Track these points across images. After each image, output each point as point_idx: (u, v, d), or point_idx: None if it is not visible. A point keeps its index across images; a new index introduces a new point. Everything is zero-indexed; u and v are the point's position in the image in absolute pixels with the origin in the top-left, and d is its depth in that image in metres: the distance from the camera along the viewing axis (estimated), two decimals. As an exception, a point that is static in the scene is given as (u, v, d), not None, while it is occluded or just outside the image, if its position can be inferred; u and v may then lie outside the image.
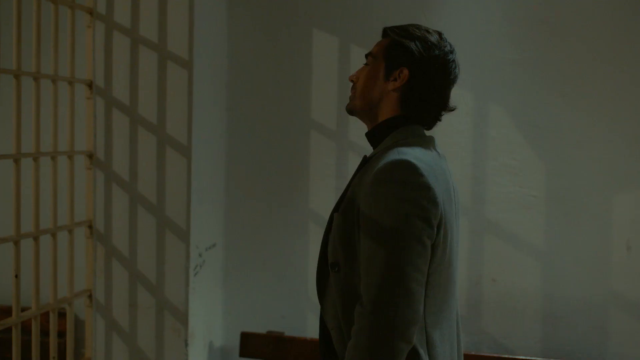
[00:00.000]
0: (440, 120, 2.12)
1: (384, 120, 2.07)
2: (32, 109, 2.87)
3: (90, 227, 3.28)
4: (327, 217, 3.51)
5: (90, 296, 3.29)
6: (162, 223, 3.26)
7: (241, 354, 3.46)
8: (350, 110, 2.13)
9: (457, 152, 3.41)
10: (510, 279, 3.39)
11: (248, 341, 3.44)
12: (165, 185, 3.26)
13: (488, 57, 3.38)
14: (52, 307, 3.04)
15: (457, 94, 3.39)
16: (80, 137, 3.47)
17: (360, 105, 2.10)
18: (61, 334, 3.37)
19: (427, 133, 2.11)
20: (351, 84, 2.15)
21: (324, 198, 3.55)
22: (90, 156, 3.27)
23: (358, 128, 3.47)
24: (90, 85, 3.25)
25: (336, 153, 3.53)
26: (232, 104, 3.63)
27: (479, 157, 3.40)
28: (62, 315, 3.66)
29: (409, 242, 1.81)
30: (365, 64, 2.12)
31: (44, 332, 3.26)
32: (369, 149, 3.45)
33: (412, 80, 2.02)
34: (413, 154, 1.91)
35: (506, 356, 3.24)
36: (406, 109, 2.06)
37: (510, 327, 3.39)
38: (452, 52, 2.06)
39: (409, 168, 1.86)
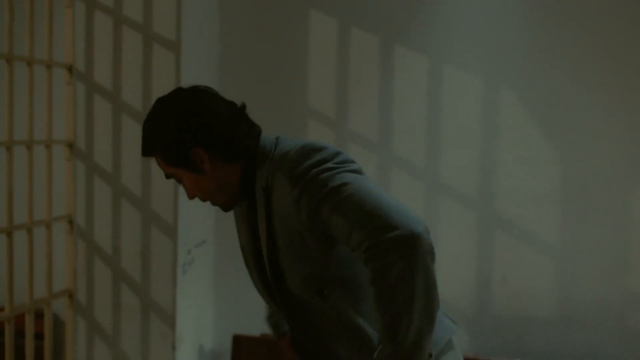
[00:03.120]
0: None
1: (240, 183, 1.95)
2: (5, 94, 2.67)
3: (70, 222, 3.08)
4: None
5: (70, 296, 3.09)
6: (148, 218, 3.06)
7: (233, 358, 3.26)
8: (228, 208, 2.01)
9: (465, 142, 3.21)
10: (522, 278, 3.19)
11: (240, 344, 3.26)
12: (151, 177, 3.07)
13: (499, 41, 3.18)
14: (28, 308, 2.83)
15: (466, 79, 3.23)
16: (59, 126, 3.24)
17: (227, 202, 1.99)
18: (40, 336, 3.16)
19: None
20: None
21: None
22: (70, 145, 3.06)
23: (358, 116, 3.28)
24: (70, 69, 3.04)
25: (335, 143, 3.31)
26: (224, 91, 3.35)
27: (488, 148, 3.19)
28: (41, 316, 3.44)
29: (359, 180, 1.75)
30: (173, 178, 1.98)
31: (21, 334, 3.05)
32: (371, 138, 3.30)
33: (210, 151, 1.90)
34: (290, 143, 1.88)
35: (517, 361, 3.05)
36: (232, 161, 1.94)
37: (521, 329, 3.19)
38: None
39: (304, 151, 1.81)
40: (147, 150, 1.93)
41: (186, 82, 3.01)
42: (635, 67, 3.07)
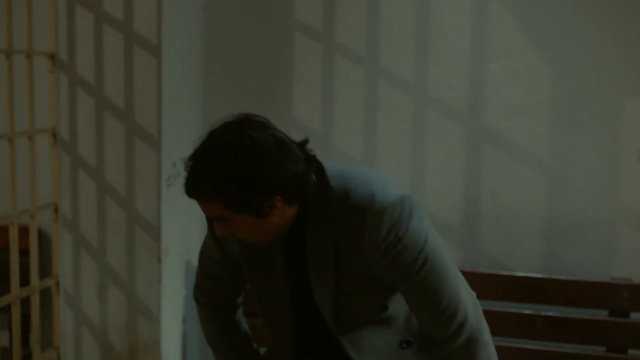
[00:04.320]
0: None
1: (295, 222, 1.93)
2: None
3: (54, 135, 3.04)
4: (313, 126, 3.27)
5: (56, 210, 3.07)
6: (131, 129, 3.02)
7: (219, 273, 3.23)
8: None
9: (453, 55, 3.13)
10: (510, 193, 3.14)
11: (227, 259, 3.20)
12: (134, 88, 3.01)
13: (489, -51, 3.08)
14: (12, 219, 2.82)
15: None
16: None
17: (270, 240, 1.95)
18: (24, 253, 3.15)
19: None
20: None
21: (308, 106, 3.28)
22: (52, 57, 3.01)
23: (346, 28, 3.21)
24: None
25: (322, 57, 3.25)
26: (209, 4, 3.34)
27: (477, 60, 3.12)
28: (25, 233, 3.41)
29: (434, 252, 1.91)
30: (222, 221, 1.86)
31: (4, 249, 3.04)
32: (360, 52, 3.24)
33: (285, 196, 1.83)
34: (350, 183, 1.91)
35: (504, 273, 3.02)
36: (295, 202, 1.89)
37: (509, 244, 3.15)
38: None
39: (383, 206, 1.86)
40: (205, 194, 1.80)
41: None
42: (628, -24, 2.97)
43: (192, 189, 1.81)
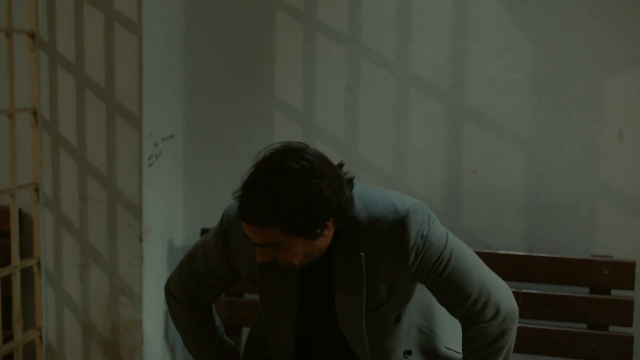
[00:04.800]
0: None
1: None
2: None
3: (34, 113, 3.02)
4: (294, 105, 3.27)
5: (37, 189, 3.05)
6: (112, 108, 3.01)
7: (201, 251, 3.22)
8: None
9: (434, 33, 3.13)
10: (492, 171, 3.15)
11: (209, 238, 3.19)
12: (115, 67, 3.00)
13: None
14: (-9, 197, 2.81)
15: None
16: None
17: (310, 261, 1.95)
18: (4, 234, 3.13)
19: None
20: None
21: (290, 85, 3.27)
22: (32, 36, 2.98)
23: (328, 6, 3.20)
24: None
25: (304, 35, 3.24)
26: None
27: (458, 38, 3.12)
28: (5, 214, 3.39)
29: (457, 246, 2.02)
30: (267, 246, 1.85)
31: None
32: (342, 31, 3.22)
33: (335, 220, 1.88)
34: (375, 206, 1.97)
35: (486, 251, 3.02)
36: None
37: (491, 222, 3.16)
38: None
39: (407, 219, 1.93)
40: (267, 220, 1.78)
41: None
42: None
43: (253, 216, 1.78)
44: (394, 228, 1.90)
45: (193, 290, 2.22)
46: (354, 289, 1.96)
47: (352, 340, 2.07)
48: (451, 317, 2.20)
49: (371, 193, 1.97)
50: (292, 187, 1.75)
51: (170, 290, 2.28)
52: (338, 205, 1.82)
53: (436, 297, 2.07)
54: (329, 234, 1.88)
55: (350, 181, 1.92)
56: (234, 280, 2.21)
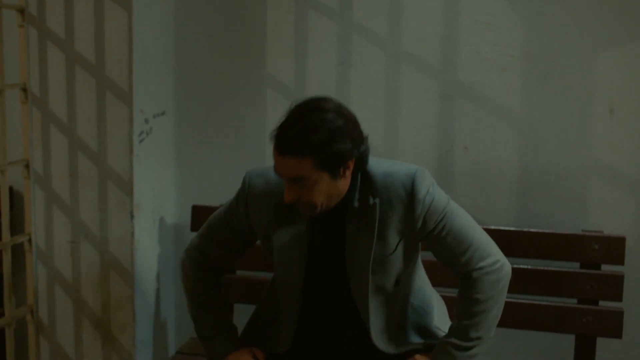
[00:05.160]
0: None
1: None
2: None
3: (24, 90, 3.00)
4: (286, 82, 3.26)
5: (27, 166, 3.04)
6: (103, 84, 2.99)
7: (192, 229, 3.21)
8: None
9: (425, 10, 3.12)
10: (483, 147, 3.15)
11: (200, 215, 3.18)
12: (105, 42, 2.98)
13: None
14: (-19, 173, 2.79)
15: None
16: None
17: (328, 207, 2.16)
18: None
19: None
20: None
21: (281, 61, 3.26)
22: (22, 11, 2.97)
23: (319, -17, 3.18)
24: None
25: (295, 11, 3.23)
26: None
27: (449, 14, 3.11)
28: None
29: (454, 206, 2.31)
30: (297, 181, 2.06)
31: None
32: (333, 7, 3.20)
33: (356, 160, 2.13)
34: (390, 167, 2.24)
35: (477, 226, 3.02)
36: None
37: (482, 197, 3.16)
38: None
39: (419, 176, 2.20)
40: (303, 151, 2.00)
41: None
42: None
43: (291, 146, 1.99)
44: (406, 181, 2.16)
45: (208, 249, 2.41)
46: (365, 232, 2.17)
47: (356, 290, 2.24)
48: (440, 300, 2.51)
49: (380, 159, 2.24)
50: (325, 122, 2.00)
51: (187, 251, 2.47)
52: (361, 147, 2.08)
53: (437, 254, 2.29)
54: (348, 178, 2.11)
55: (366, 138, 2.14)
56: (248, 243, 2.41)
